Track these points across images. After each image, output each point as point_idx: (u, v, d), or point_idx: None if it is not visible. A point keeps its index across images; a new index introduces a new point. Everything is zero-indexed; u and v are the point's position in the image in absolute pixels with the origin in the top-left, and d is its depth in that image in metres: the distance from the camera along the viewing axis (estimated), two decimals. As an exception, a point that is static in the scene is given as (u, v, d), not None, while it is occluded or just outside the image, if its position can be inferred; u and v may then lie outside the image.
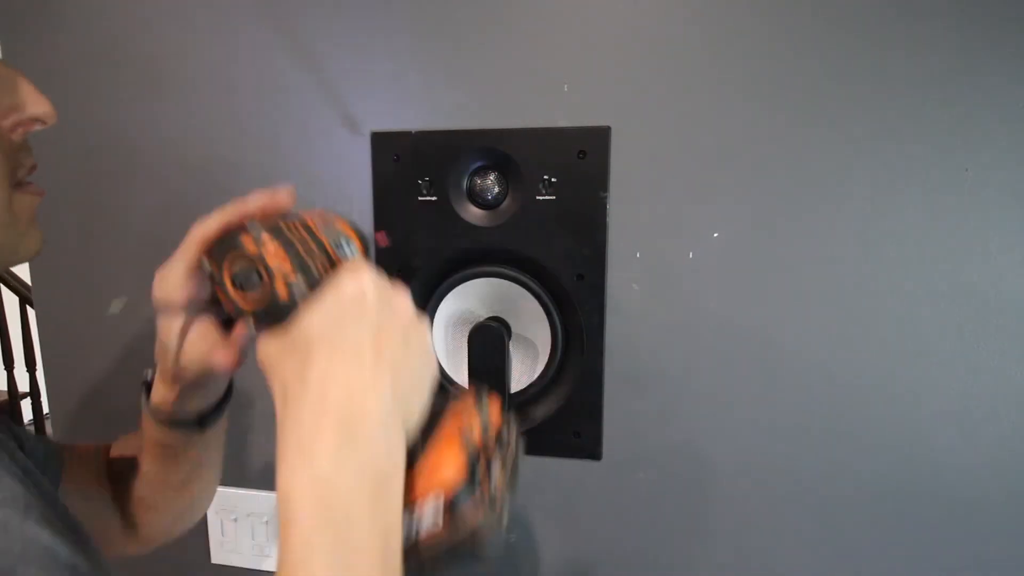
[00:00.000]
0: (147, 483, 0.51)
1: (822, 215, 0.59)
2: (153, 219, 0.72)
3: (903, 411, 0.60)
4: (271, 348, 0.35)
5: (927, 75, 0.55)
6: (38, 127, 0.38)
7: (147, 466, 0.50)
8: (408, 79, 0.64)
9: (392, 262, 0.67)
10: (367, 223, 0.67)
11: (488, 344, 0.63)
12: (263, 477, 0.75)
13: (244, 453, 0.75)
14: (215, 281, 0.38)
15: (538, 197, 0.62)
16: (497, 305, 0.67)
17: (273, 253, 0.35)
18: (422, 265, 0.66)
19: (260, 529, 0.76)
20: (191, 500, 0.54)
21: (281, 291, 0.34)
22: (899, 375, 0.60)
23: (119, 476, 0.53)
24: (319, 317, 0.33)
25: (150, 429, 0.48)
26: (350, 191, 0.67)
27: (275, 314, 0.35)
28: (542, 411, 0.67)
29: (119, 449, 0.54)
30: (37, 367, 2.35)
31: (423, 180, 0.64)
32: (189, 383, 0.44)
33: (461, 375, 0.68)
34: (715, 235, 0.61)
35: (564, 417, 0.66)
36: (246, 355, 0.42)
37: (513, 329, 0.66)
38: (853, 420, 0.61)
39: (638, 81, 0.60)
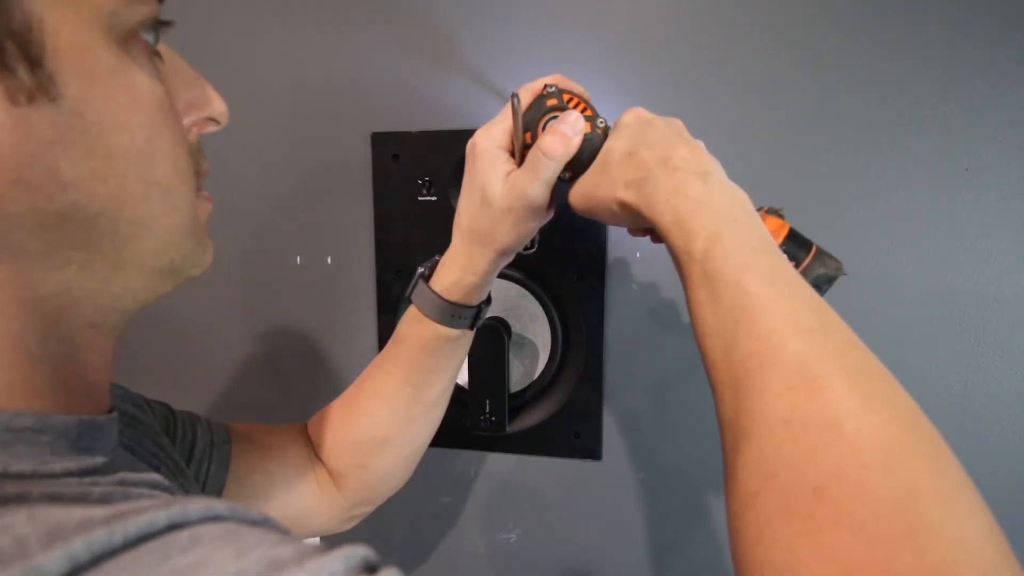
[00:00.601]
0: (389, 412, 0.52)
1: (822, 215, 0.59)
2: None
3: (903, 411, 0.60)
4: (587, 187, 0.43)
5: (928, 75, 0.55)
6: (212, 128, 0.35)
7: (396, 391, 0.51)
8: (408, 79, 0.64)
9: (392, 262, 0.67)
10: (367, 223, 0.67)
11: (488, 344, 0.63)
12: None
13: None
14: (527, 146, 0.45)
15: (538, 197, 0.62)
16: (497, 305, 0.67)
17: (576, 106, 0.45)
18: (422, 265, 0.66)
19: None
20: (433, 424, 0.55)
21: (588, 130, 0.44)
22: (898, 375, 0.59)
23: (330, 428, 0.53)
24: (624, 140, 0.42)
25: (416, 336, 0.50)
26: (350, 191, 0.67)
27: (586, 154, 0.44)
28: (542, 411, 0.67)
29: (354, 393, 0.54)
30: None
31: (423, 180, 0.64)
32: (507, 247, 0.47)
33: (461, 375, 0.68)
34: (715, 235, 0.61)
35: (564, 417, 0.66)
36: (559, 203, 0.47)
37: (513, 329, 0.66)
38: (853, 420, 0.61)
39: (638, 80, 0.60)
